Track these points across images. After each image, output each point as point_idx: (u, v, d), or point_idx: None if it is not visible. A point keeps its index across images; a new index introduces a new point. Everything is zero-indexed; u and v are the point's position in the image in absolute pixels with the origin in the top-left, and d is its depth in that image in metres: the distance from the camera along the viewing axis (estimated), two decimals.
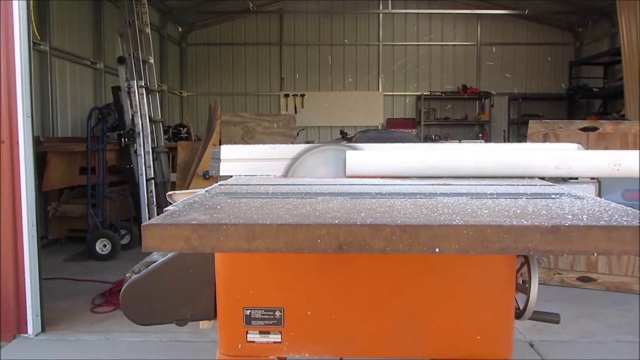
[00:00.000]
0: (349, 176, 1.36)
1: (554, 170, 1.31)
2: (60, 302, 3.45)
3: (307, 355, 1.04)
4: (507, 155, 1.35)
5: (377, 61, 10.31)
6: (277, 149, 1.57)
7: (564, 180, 1.34)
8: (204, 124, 9.11)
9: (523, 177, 1.33)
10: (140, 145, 4.96)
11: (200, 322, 1.14)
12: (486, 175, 1.34)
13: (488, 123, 10.07)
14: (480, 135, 10.11)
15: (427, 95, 10.12)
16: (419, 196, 1.01)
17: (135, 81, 4.99)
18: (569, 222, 0.72)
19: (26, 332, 2.90)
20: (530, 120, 4.10)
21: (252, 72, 10.38)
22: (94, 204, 4.96)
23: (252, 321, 1.03)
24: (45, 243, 5.16)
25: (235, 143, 1.70)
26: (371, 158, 1.38)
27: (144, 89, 5.04)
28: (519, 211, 0.82)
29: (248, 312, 1.03)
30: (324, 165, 1.43)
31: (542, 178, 1.33)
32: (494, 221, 0.74)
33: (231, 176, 1.48)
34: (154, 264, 1.12)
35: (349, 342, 1.04)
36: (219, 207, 0.89)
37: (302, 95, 10.27)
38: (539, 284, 1.09)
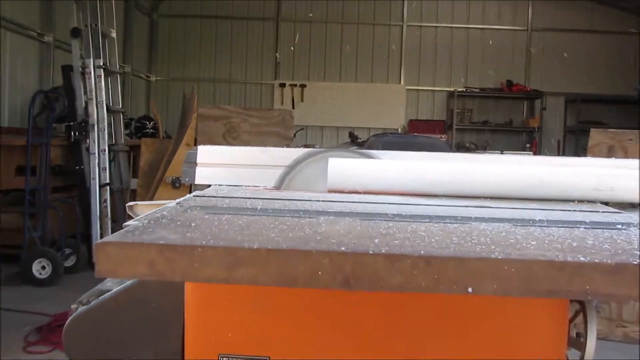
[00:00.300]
0: (332, 191, 1.36)
1: (592, 192, 1.32)
2: None
3: None
4: (532, 172, 1.37)
5: (399, 46, 10.38)
6: (268, 153, 1.57)
7: (632, 206, 1.35)
8: (175, 118, 9.14)
9: (582, 201, 1.34)
10: (93, 142, 4.98)
11: None
12: (504, 195, 1.36)
13: (538, 130, 10.09)
14: (528, 145, 10.13)
15: (462, 91, 10.17)
16: (448, 220, 1.01)
17: (91, 60, 5.02)
18: (639, 261, 0.72)
19: None
20: (592, 129, 4.12)
21: (240, 54, 10.45)
22: (32, 213, 4.95)
23: None
24: None
25: (215, 143, 1.72)
26: (375, 168, 1.39)
27: (102, 70, 5.07)
28: (575, 244, 0.82)
29: None
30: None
31: (606, 203, 1.34)
32: (542, 255, 0.74)
33: (209, 185, 1.48)
34: (107, 294, 1.12)
35: None
36: (193, 224, 0.89)
37: (302, 86, 10.32)
38: (597, 338, 1.09)
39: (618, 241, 0.85)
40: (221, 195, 1.27)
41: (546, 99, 10.10)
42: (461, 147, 9.94)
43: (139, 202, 1.50)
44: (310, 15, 10.28)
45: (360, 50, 10.38)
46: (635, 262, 0.72)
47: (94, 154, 4.97)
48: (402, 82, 10.42)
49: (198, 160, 1.52)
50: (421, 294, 0.99)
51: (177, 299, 1.08)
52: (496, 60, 10.32)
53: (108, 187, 5.05)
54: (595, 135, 4.03)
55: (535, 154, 9.63)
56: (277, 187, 1.44)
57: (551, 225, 0.99)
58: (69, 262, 5.09)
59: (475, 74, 10.35)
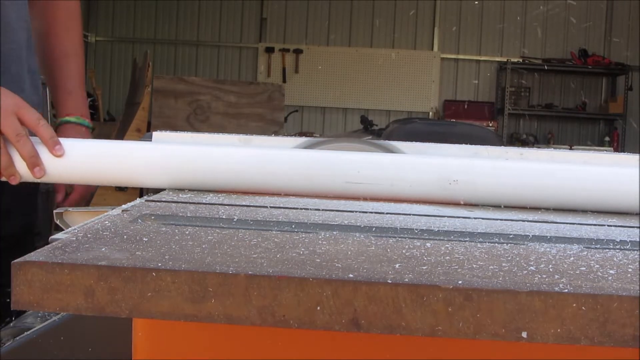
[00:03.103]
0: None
1: None
2: None
3: None
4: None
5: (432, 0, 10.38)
6: (250, 143, 1.58)
7: None
8: (122, 93, 9.15)
9: None
10: None
11: None
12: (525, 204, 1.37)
13: (622, 117, 10.09)
14: (608, 138, 10.14)
15: (517, 63, 10.18)
16: (496, 239, 1.02)
17: None
18: None
19: None
20: None
21: (212, 7, 10.43)
22: None
23: None
24: None
25: (176, 129, 1.72)
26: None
27: None
28: None
29: None
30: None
31: None
32: (624, 289, 0.74)
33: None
34: (26, 334, 1.12)
35: None
36: (145, 239, 0.90)
37: (298, 52, 10.32)
38: None
39: None
40: (183, 201, 1.27)
41: (633, 75, 10.10)
42: (515, 139, 9.94)
43: (71, 209, 1.51)
44: None
45: (378, 3, 10.38)
46: None
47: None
48: (435, 47, 10.43)
49: None
50: (457, 341, 1.00)
51: (122, 342, 1.08)
52: (564, 23, 10.32)
53: None
54: None
55: (617, 149, 9.62)
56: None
57: (637, 248, 0.99)
58: None
59: (536, 41, 10.35)
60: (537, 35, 10.31)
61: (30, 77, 1.87)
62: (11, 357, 1.12)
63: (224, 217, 1.10)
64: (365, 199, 1.41)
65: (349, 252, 0.88)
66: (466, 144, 1.61)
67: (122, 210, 1.13)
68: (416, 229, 1.06)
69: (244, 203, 1.27)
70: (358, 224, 1.08)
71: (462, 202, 1.39)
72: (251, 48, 10.48)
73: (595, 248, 0.99)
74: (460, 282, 0.75)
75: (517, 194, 1.39)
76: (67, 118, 1.87)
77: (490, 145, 1.63)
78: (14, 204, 1.84)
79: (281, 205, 1.26)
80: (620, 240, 1.05)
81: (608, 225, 1.21)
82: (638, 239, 1.07)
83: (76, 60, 1.92)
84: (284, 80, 10.02)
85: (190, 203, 1.25)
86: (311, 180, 1.39)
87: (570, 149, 7.66)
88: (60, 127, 1.86)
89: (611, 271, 0.83)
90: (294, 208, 1.23)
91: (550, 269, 0.83)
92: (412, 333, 0.74)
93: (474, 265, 0.83)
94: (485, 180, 1.39)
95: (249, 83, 8.20)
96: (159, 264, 0.76)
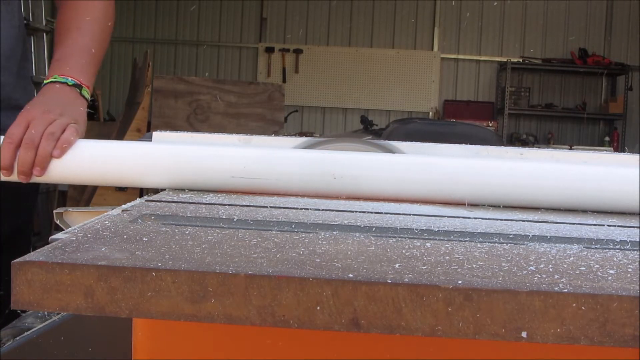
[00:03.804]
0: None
1: None
2: None
3: None
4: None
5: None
6: (250, 143, 1.58)
7: None
8: (122, 93, 9.15)
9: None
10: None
11: None
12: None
13: (622, 117, 10.10)
14: (608, 138, 10.15)
15: (517, 63, 10.18)
16: (496, 239, 1.02)
17: None
18: None
19: None
20: None
21: (212, 7, 10.44)
22: None
23: None
24: None
25: (176, 128, 1.72)
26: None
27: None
28: None
29: None
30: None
31: None
32: (624, 289, 0.74)
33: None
34: (26, 334, 1.12)
35: None
36: (145, 239, 0.90)
37: (298, 52, 10.32)
38: None
39: None
40: (183, 200, 1.27)
41: (633, 75, 10.10)
42: (515, 139, 9.94)
43: (72, 209, 1.51)
44: None
45: (378, 3, 10.38)
46: None
47: None
48: (435, 47, 10.43)
49: None
50: (457, 341, 1.00)
51: (123, 342, 1.08)
52: (565, 22, 10.32)
53: None
54: None
55: (617, 149, 9.62)
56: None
57: (637, 249, 0.99)
58: None
59: (536, 40, 10.35)
60: (537, 36, 10.31)
61: (20, 82, 1.84)
62: (11, 357, 1.12)
63: (224, 217, 1.10)
64: (366, 198, 1.40)
65: (349, 252, 0.88)
66: (466, 144, 1.61)
67: (122, 210, 1.13)
68: (416, 229, 1.06)
69: (244, 203, 1.27)
70: (358, 224, 1.08)
71: (344, 197, 1.40)
72: (251, 48, 10.48)
73: (595, 248, 0.99)
74: (460, 282, 0.75)
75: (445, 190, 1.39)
76: (45, 80, 1.72)
77: (491, 145, 1.63)
78: (9, 205, 1.80)
79: (281, 205, 1.26)
80: (620, 240, 1.05)
81: (608, 225, 1.21)
82: (638, 239, 1.07)
83: (76, 34, 1.76)
84: (284, 80, 10.02)
85: (190, 203, 1.25)
86: (311, 180, 1.39)
87: (570, 149, 7.67)
88: (40, 93, 1.70)
89: (611, 271, 0.83)
90: (294, 208, 1.23)
91: (550, 269, 0.83)
92: (412, 333, 0.74)
93: (474, 265, 0.83)
94: (368, 174, 1.40)
95: (249, 83, 8.20)
96: (159, 264, 0.76)
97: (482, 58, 10.45)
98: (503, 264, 0.85)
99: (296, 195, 1.40)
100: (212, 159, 1.42)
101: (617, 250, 0.97)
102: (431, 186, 1.39)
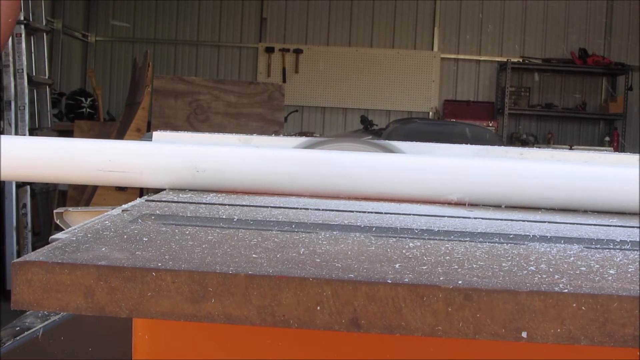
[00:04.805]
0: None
1: None
2: None
3: None
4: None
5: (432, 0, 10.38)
6: (250, 143, 1.58)
7: None
8: (122, 93, 9.16)
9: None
10: (10, 124, 4.98)
11: None
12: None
13: (622, 117, 10.10)
14: (608, 138, 10.15)
15: (517, 63, 10.18)
16: (497, 239, 1.02)
17: None
18: None
19: None
20: None
21: (212, 7, 10.44)
22: None
23: None
24: None
25: (176, 128, 1.72)
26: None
27: (22, 27, 5.08)
28: None
29: None
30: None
31: None
32: (624, 289, 0.74)
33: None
34: (26, 334, 1.12)
35: None
36: (145, 239, 0.90)
37: (298, 52, 10.33)
38: None
39: None
40: (183, 200, 1.27)
41: (633, 75, 10.10)
42: (515, 139, 9.94)
43: (72, 209, 1.51)
44: None
45: (377, 3, 10.38)
46: None
47: None
48: (435, 47, 10.43)
49: None
50: (457, 341, 1.00)
51: (123, 342, 1.08)
52: (564, 23, 10.32)
53: (29, 188, 5.05)
54: None
55: (617, 149, 9.63)
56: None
57: (638, 249, 0.99)
58: None
59: (536, 40, 10.35)
60: (537, 35, 10.31)
61: None
62: (11, 357, 1.12)
63: (224, 217, 1.10)
64: (367, 198, 1.40)
65: (349, 252, 0.88)
66: (466, 143, 1.61)
67: (122, 210, 1.13)
68: (416, 229, 1.06)
69: (244, 203, 1.27)
70: (358, 224, 1.08)
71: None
72: (251, 48, 10.48)
73: (595, 248, 0.99)
74: (460, 282, 0.75)
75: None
76: None
77: (491, 145, 1.63)
78: None
79: (281, 205, 1.26)
80: (620, 240, 1.05)
81: (608, 225, 1.21)
82: (638, 239, 1.07)
83: None
84: (284, 80, 10.02)
85: (190, 203, 1.25)
86: (311, 180, 1.39)
87: (570, 149, 7.67)
88: None
89: (611, 271, 0.83)
90: (294, 208, 1.23)
91: (550, 269, 0.83)
92: (412, 333, 0.74)
93: (474, 265, 0.83)
94: (368, 174, 1.40)
95: (249, 83, 8.21)
96: (159, 264, 0.76)
97: (482, 58, 10.45)
98: (503, 264, 0.85)
99: (296, 195, 1.40)
100: (212, 159, 1.41)
101: (617, 250, 0.97)
102: (431, 186, 1.39)
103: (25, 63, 5.07)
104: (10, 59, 5.00)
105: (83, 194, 5.16)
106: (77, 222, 1.46)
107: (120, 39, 10.46)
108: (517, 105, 10.22)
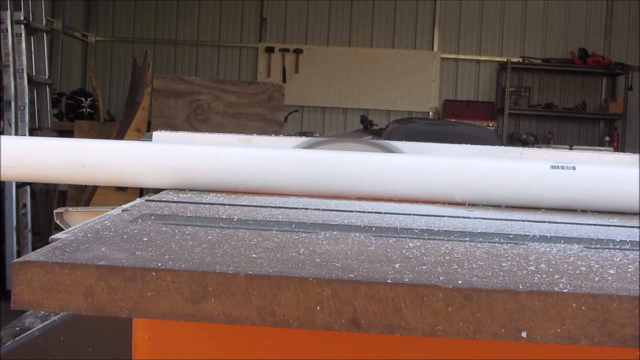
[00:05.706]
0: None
1: None
2: None
3: None
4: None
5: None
6: (250, 143, 1.58)
7: None
8: (122, 93, 9.15)
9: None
10: (9, 124, 4.98)
11: None
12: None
13: (622, 117, 10.09)
14: (608, 138, 10.14)
15: (518, 63, 10.18)
16: (497, 239, 1.02)
17: (8, 12, 5.03)
18: None
19: None
20: None
21: (212, 7, 10.44)
22: None
23: None
24: None
25: (176, 128, 1.72)
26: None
27: (22, 27, 5.07)
28: None
29: None
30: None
31: None
32: (624, 289, 0.74)
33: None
34: (26, 334, 1.12)
35: None
36: (145, 239, 0.90)
37: (298, 52, 10.32)
38: None
39: None
40: (183, 200, 1.27)
41: (633, 75, 10.10)
42: (515, 139, 9.94)
43: (72, 209, 1.51)
44: None
45: (377, 3, 10.37)
46: None
47: None
48: (435, 47, 10.43)
49: None
50: (457, 341, 1.00)
51: (123, 342, 1.07)
52: (565, 22, 10.32)
53: (29, 188, 5.05)
54: None
55: (617, 149, 9.62)
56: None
57: (638, 249, 0.99)
58: None
59: (536, 40, 10.35)
60: (537, 35, 10.30)
61: None
62: (11, 357, 1.12)
63: (224, 217, 1.09)
64: (367, 198, 1.40)
65: (349, 252, 0.88)
66: (466, 143, 1.61)
67: (122, 210, 1.13)
68: (416, 229, 1.06)
69: (244, 203, 1.27)
70: (358, 224, 1.08)
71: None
72: (251, 48, 10.47)
73: (596, 248, 0.99)
74: (460, 282, 0.75)
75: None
76: None
77: (491, 145, 1.63)
78: None
79: (281, 205, 1.26)
80: (620, 240, 1.05)
81: (608, 225, 1.21)
82: (638, 239, 1.07)
83: None
84: (284, 80, 10.02)
85: (190, 203, 1.25)
86: (311, 180, 1.39)
87: (570, 148, 7.66)
88: None
89: (611, 271, 0.83)
90: (294, 208, 1.23)
91: (550, 269, 0.83)
92: (412, 333, 0.74)
93: (474, 265, 0.83)
94: (368, 174, 1.40)
95: (248, 83, 8.20)
96: (159, 264, 0.76)
97: (482, 58, 10.44)
98: (503, 264, 0.85)
99: (296, 195, 1.40)
100: (213, 159, 1.41)
101: (617, 250, 0.97)
102: (431, 186, 1.39)
103: (25, 63, 5.06)
104: (10, 59, 5.00)
105: (83, 194, 5.16)
106: (77, 222, 1.46)
107: (120, 39, 10.45)
108: (517, 105, 10.21)
